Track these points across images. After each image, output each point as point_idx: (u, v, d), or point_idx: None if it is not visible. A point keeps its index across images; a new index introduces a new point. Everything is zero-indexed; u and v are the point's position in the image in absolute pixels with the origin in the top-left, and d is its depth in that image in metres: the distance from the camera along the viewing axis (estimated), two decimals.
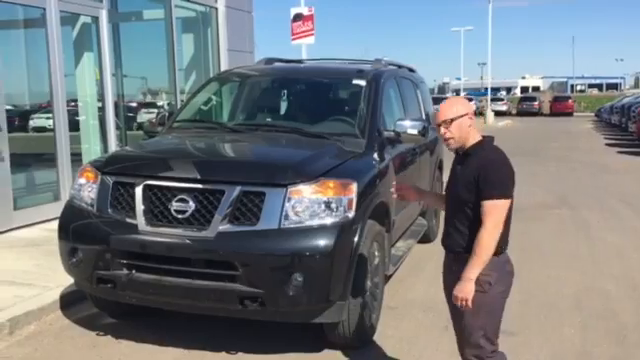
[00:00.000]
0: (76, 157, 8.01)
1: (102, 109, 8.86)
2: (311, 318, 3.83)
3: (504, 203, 2.78)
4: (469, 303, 2.80)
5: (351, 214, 3.83)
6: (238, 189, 3.76)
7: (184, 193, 3.84)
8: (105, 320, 4.60)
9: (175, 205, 3.83)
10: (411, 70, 6.97)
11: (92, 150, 8.84)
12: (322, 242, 3.68)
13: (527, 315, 4.83)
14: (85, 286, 4.22)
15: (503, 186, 2.80)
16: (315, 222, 3.73)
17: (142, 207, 3.89)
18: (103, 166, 4.25)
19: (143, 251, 3.83)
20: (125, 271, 3.88)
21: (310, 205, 3.75)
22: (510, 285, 2.97)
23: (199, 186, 3.84)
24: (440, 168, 7.45)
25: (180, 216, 3.82)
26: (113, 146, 8.68)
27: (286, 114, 5.56)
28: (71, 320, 4.61)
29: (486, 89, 47.03)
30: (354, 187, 3.90)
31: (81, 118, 9.02)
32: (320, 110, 5.37)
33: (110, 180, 4.08)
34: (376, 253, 4.31)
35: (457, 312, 2.95)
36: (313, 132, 4.79)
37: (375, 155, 4.64)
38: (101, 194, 4.08)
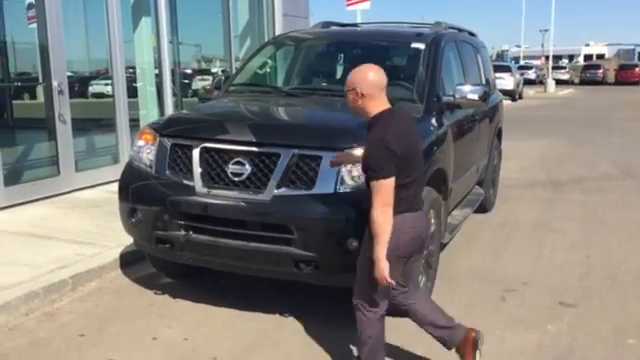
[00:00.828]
0: (134, 122, 8.17)
1: (159, 76, 8.99)
2: None
3: (387, 182, 2.81)
4: (390, 280, 2.86)
5: None
6: (294, 152, 3.74)
7: (240, 156, 3.85)
8: (162, 280, 4.71)
9: (232, 168, 3.84)
10: (472, 34, 6.74)
11: (149, 116, 8.94)
12: None
13: (588, 287, 4.68)
14: (144, 246, 4.31)
15: (377, 166, 2.83)
16: (350, 184, 3.66)
17: (199, 169, 3.92)
18: (161, 128, 4.29)
19: (200, 213, 3.86)
20: (182, 232, 3.93)
21: (347, 171, 3.68)
22: (409, 245, 3.01)
23: (255, 149, 3.83)
24: (499, 136, 7.24)
25: (236, 179, 3.83)
26: (170, 112, 8.80)
27: (342, 78, 5.46)
28: (130, 279, 4.74)
29: (547, 57, 45.35)
30: None
31: (139, 85, 9.15)
32: None
33: (168, 142, 4.12)
34: (432, 220, 4.22)
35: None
36: None
37: (433, 120, 4.52)
38: (159, 156, 4.13)
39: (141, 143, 4.31)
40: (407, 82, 4.93)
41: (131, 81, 8.89)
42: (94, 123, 9.01)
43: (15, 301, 4.02)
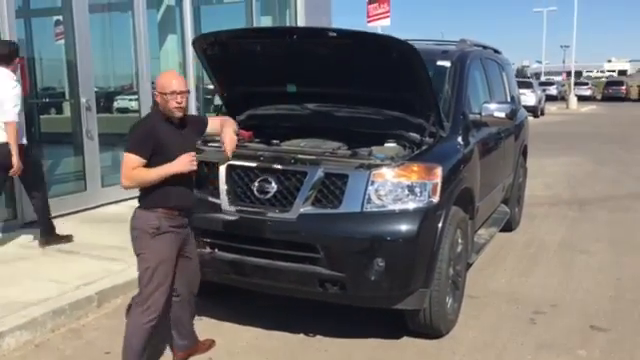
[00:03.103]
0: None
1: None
2: (392, 304, 3.77)
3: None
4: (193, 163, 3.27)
5: (435, 199, 3.72)
6: (320, 171, 3.72)
7: (266, 174, 3.85)
8: None
9: (257, 186, 3.84)
10: (496, 51, 6.70)
11: None
12: (405, 227, 3.59)
13: (620, 310, 4.57)
14: None
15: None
16: (398, 207, 3.65)
17: (225, 187, 3.92)
18: None
19: (226, 230, 3.86)
20: (208, 249, 3.93)
21: (393, 189, 3.67)
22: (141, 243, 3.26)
23: (281, 167, 3.83)
24: (524, 154, 7.16)
25: (262, 197, 3.82)
26: None
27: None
28: None
29: (568, 73, 44.98)
30: (439, 172, 3.78)
31: None
32: None
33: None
34: (459, 240, 4.17)
35: None
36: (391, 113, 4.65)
37: (459, 139, 4.48)
38: None
39: None
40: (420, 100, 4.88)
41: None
42: (119, 138, 9.04)
43: (42, 317, 4.03)
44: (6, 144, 5.08)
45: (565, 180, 10.40)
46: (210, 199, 3.97)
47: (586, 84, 51.63)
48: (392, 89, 4.29)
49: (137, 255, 3.30)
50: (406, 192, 3.68)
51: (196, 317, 4.32)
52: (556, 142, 16.17)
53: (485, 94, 5.53)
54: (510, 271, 5.51)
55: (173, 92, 3.15)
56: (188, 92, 3.24)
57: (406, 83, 4.16)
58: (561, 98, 40.73)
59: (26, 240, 5.73)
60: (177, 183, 3.23)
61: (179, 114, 3.24)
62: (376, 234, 3.59)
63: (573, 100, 36.54)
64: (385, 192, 3.67)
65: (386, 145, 4.25)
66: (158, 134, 3.16)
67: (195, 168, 3.25)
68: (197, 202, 3.96)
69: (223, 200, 3.90)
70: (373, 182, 3.67)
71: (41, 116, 8.97)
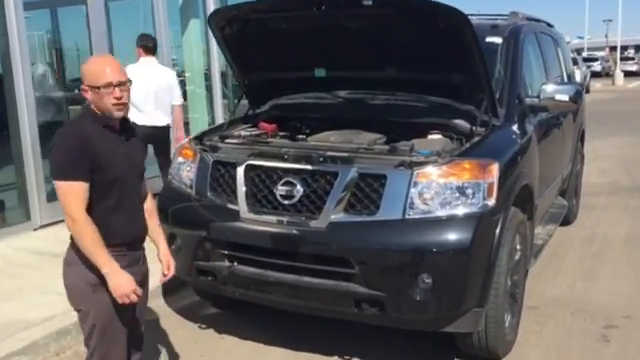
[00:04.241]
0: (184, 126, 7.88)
1: (209, 78, 8.71)
2: (440, 326, 3.20)
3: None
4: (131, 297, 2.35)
5: (491, 202, 3.12)
6: (354, 171, 3.16)
7: (290, 175, 3.30)
8: (207, 310, 4.22)
9: (280, 189, 3.30)
10: (549, 25, 5.98)
11: (200, 120, 8.70)
12: (456, 237, 3.01)
13: None
14: (184, 276, 3.82)
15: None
16: (447, 212, 3.06)
17: (244, 191, 3.39)
18: (201, 142, 3.81)
19: (245, 242, 3.34)
20: (226, 263, 3.43)
21: (441, 191, 3.08)
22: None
23: (308, 167, 3.28)
24: (582, 139, 6.43)
25: (286, 202, 3.28)
26: (220, 115, 8.55)
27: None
28: (172, 309, 4.27)
29: (611, 48, 42.97)
30: (495, 169, 3.18)
31: (188, 88, 8.83)
32: None
33: (210, 159, 3.62)
34: (518, 247, 3.57)
35: None
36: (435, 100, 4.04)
37: (515, 127, 3.85)
38: (200, 175, 3.64)
39: (180, 160, 3.83)
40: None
41: (181, 84, 8.73)
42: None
43: (44, 340, 3.60)
44: (167, 127, 5.79)
45: (622, 164, 9.57)
46: (227, 205, 3.45)
47: (632, 59, 49.35)
48: (437, 70, 3.69)
49: (77, 311, 2.50)
50: (456, 194, 3.09)
51: (217, 334, 3.87)
52: (605, 122, 15.14)
53: (541, 74, 4.87)
54: (572, 274, 4.86)
55: (109, 84, 2.32)
56: (129, 82, 2.40)
57: (455, 62, 3.56)
58: (605, 74, 38.97)
59: (38, 246, 5.33)
60: (122, 208, 2.42)
61: (119, 114, 2.39)
62: (421, 246, 3.02)
63: (619, 76, 34.84)
64: (431, 195, 3.09)
65: (430, 137, 3.66)
66: (94, 145, 2.32)
67: (135, 300, 2.38)
68: (212, 208, 3.50)
69: (241, 206, 3.37)
70: (416, 183, 3.09)
71: (70, 107, 8.70)
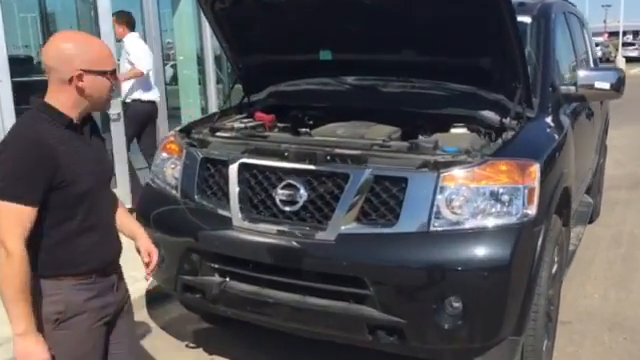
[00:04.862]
0: (174, 111, 7.69)
1: (202, 62, 8.17)
2: (469, 358, 2.70)
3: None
4: None
5: (532, 211, 2.61)
6: (368, 172, 2.65)
7: (292, 176, 2.79)
8: (197, 325, 3.72)
9: (281, 193, 2.79)
10: (572, 4, 5.44)
11: (193, 105, 8.20)
12: (492, 253, 2.51)
13: None
14: (169, 290, 3.33)
15: None
16: (480, 223, 2.56)
17: (237, 194, 2.87)
18: (188, 135, 3.29)
19: (238, 254, 2.84)
20: (217, 278, 2.93)
21: (473, 198, 2.57)
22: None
23: (312, 167, 2.76)
24: (607, 130, 5.92)
25: (287, 209, 2.77)
26: (214, 100, 8.04)
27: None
28: (157, 323, 3.77)
29: (610, 33, 42.28)
30: (536, 171, 2.67)
31: (180, 71, 8.37)
32: None
33: (198, 155, 3.10)
34: (555, 259, 3.08)
35: None
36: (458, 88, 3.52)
37: (550, 120, 3.34)
38: (186, 174, 3.11)
39: (164, 155, 3.30)
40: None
41: (172, 67, 8.48)
42: None
43: None
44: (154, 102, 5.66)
45: (638, 155, 9.08)
46: (217, 210, 2.94)
47: (632, 44, 48.73)
48: (462, 52, 3.18)
49: None
50: (491, 202, 2.58)
51: (207, 355, 3.39)
52: (615, 110, 14.64)
53: (571, 58, 4.35)
54: (602, 280, 4.38)
55: (114, 70, 1.95)
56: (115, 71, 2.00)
57: (484, 42, 3.05)
58: (606, 60, 38.36)
59: None
60: (91, 228, 1.95)
61: (109, 106, 2.12)
62: (449, 263, 2.52)
63: (621, 62, 34.28)
64: (460, 202, 2.58)
65: (453, 131, 3.16)
66: (54, 155, 1.82)
67: None
68: (200, 214, 2.99)
69: (234, 212, 2.86)
70: (443, 188, 2.58)
71: None
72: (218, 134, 3.28)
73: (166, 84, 9.50)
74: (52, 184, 1.81)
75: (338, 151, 2.80)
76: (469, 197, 2.58)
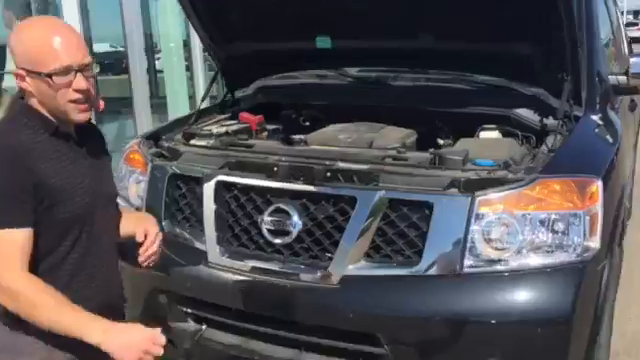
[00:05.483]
0: (161, 100, 7.43)
1: (188, 49, 7.71)
2: None
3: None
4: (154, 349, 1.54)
5: (595, 243, 2.00)
6: (380, 195, 2.04)
7: (283, 199, 2.18)
8: None
9: (268, 221, 2.17)
10: None
11: (180, 94, 7.75)
12: (546, 302, 1.93)
13: None
14: None
15: None
16: (529, 262, 1.96)
17: (214, 221, 2.27)
18: (156, 143, 2.69)
19: (215, 300, 2.24)
20: (191, 325, 2.34)
21: (518, 229, 1.97)
22: None
23: (310, 188, 2.15)
24: None
25: (278, 241, 2.17)
26: (202, 90, 7.50)
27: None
28: None
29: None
30: (598, 189, 2.06)
31: (164, 58, 7.98)
32: None
33: (166, 170, 2.49)
34: (614, 294, 2.48)
35: None
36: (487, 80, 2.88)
37: (601, 119, 2.72)
38: (152, 193, 2.51)
39: (126, 169, 2.69)
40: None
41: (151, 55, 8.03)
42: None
43: None
44: None
45: None
46: (190, 242, 2.34)
47: (635, 24, 47.97)
48: (492, 35, 2.54)
49: None
50: (542, 233, 1.98)
51: None
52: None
53: (610, 43, 3.72)
54: None
55: (68, 68, 1.48)
56: (95, 64, 1.55)
57: (522, 21, 2.42)
58: None
59: None
60: (85, 264, 1.60)
61: (82, 117, 1.56)
62: (487, 316, 1.93)
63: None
64: (502, 234, 1.98)
65: (483, 136, 2.56)
66: (36, 167, 1.49)
67: (161, 353, 1.54)
68: (169, 245, 2.38)
69: (210, 245, 2.25)
70: (479, 216, 1.98)
71: None
72: (193, 142, 2.67)
73: (150, 71, 9.18)
74: (36, 201, 1.48)
75: (341, 165, 2.20)
76: (513, 227, 1.97)
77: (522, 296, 1.93)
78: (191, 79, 7.83)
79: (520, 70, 2.61)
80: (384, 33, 2.75)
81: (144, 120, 6.43)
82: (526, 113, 2.59)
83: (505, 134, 2.57)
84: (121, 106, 7.44)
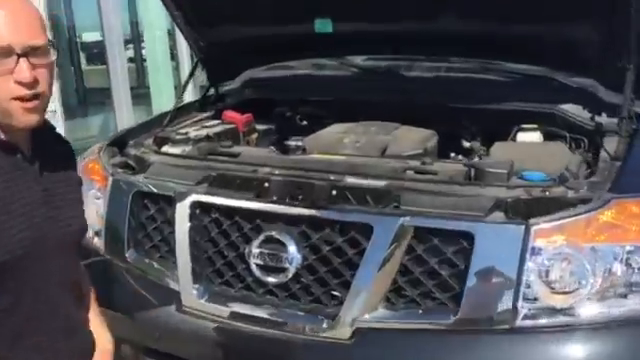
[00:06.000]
0: (144, 91, 7.27)
1: (173, 37, 7.29)
2: None
3: None
4: None
5: None
6: (403, 222, 1.56)
7: (277, 226, 1.69)
8: None
9: (258, 253, 1.69)
10: None
11: (164, 85, 7.31)
12: None
13: None
14: None
15: None
16: (605, 311, 1.49)
17: (189, 252, 1.78)
18: (121, 151, 2.20)
19: (191, 355, 1.76)
20: None
21: (588, 267, 1.49)
22: None
23: (311, 212, 1.67)
24: None
25: (270, 279, 1.68)
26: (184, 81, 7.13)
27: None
28: None
29: None
30: None
31: (147, 48, 7.64)
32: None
33: (130, 187, 2.00)
34: None
35: None
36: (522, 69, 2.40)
37: None
38: (114, 215, 2.02)
39: (85, 182, 2.18)
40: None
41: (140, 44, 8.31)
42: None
43: None
44: None
45: None
46: (159, 278, 1.86)
47: None
48: (530, 14, 2.06)
49: None
50: (616, 270, 1.50)
51: None
52: None
53: None
54: None
55: (7, 50, 1.08)
56: (52, 47, 1.14)
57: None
58: None
59: None
60: (30, 331, 1.19)
61: (30, 119, 1.14)
62: None
63: None
64: (564, 272, 1.50)
65: (521, 138, 2.08)
66: None
67: None
68: (134, 282, 1.93)
69: (184, 283, 1.77)
70: (536, 250, 1.50)
71: None
72: (165, 149, 2.17)
73: (136, 61, 8.85)
74: None
75: (350, 182, 1.71)
76: (581, 264, 1.50)
77: (598, 357, 1.46)
78: (177, 69, 7.46)
79: (566, 56, 2.13)
80: (396, 14, 2.26)
81: (124, 113, 6.02)
82: (574, 109, 2.11)
83: (548, 136, 2.09)
84: (105, 97, 7.06)
